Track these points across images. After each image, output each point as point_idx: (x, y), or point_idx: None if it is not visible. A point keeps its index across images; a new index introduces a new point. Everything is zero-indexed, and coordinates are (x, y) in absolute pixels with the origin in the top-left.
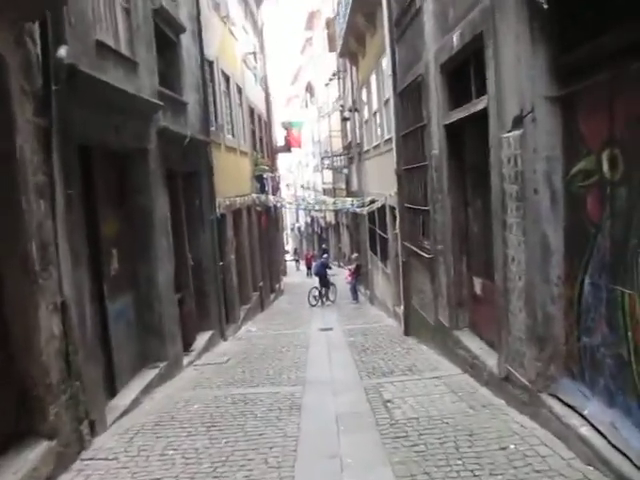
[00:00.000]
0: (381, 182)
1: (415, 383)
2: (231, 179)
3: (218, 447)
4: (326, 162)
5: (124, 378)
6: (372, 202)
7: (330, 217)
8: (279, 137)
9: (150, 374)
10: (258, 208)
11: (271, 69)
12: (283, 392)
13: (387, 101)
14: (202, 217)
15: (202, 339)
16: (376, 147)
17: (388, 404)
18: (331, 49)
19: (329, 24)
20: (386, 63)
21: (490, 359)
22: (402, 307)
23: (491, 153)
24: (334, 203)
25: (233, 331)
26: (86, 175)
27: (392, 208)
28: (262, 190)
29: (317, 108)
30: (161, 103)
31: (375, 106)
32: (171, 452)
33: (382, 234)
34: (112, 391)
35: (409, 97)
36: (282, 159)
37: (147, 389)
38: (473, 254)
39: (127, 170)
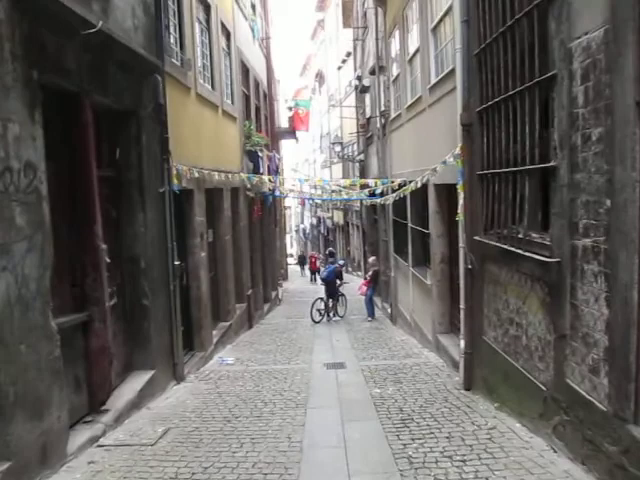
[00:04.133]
0: (419, 154)
1: None
2: (205, 143)
3: None
4: (337, 149)
5: None
6: (402, 186)
7: (338, 217)
8: (283, 120)
9: None
10: (249, 193)
11: (278, 58)
12: None
13: (444, 16)
14: (140, 187)
15: (130, 387)
16: (412, 106)
17: None
18: (346, 24)
19: None
20: None
21: None
22: (462, 342)
23: None
24: (347, 193)
25: (198, 364)
26: None
27: (442, 187)
28: (256, 171)
29: (328, 96)
30: None
31: (415, 45)
32: None
33: (418, 228)
34: None
35: None
36: (287, 155)
37: None
38: None
39: None
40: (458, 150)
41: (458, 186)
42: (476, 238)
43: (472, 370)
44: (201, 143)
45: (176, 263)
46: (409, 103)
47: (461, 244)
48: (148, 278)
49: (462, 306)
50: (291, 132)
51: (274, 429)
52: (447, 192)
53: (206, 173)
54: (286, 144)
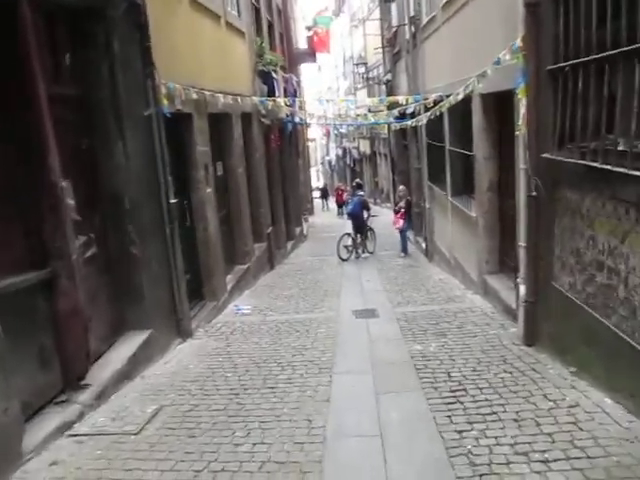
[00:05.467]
0: (460, 61)
1: None
2: (206, 60)
3: None
4: (361, 70)
5: None
6: (437, 103)
7: (364, 147)
8: (302, 44)
9: None
10: (265, 120)
11: None
12: None
13: None
14: (116, 109)
15: (120, 353)
16: (450, 2)
17: None
18: None
19: None
20: None
21: None
22: (522, 287)
23: None
24: (374, 116)
25: (209, 315)
26: None
27: (491, 97)
28: (271, 95)
29: (350, 16)
30: None
31: None
32: None
33: (459, 151)
34: None
35: None
36: (308, 84)
37: None
38: None
39: None
40: (519, 42)
41: (518, 90)
42: (545, 156)
43: (535, 322)
44: (200, 59)
45: (172, 201)
46: (445, 0)
47: (521, 165)
48: (135, 221)
49: (522, 243)
50: (311, 54)
51: (291, 407)
52: (497, 103)
53: (208, 95)
54: (307, 73)
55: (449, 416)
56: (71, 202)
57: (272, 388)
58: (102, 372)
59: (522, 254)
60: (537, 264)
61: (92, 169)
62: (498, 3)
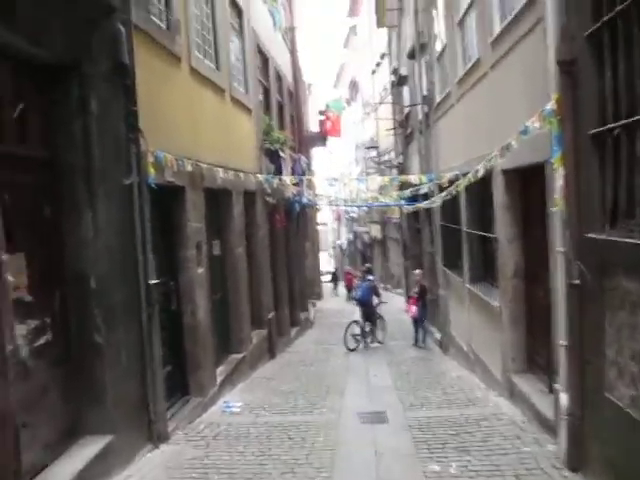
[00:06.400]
0: (478, 136)
1: None
2: (205, 132)
3: None
4: (373, 154)
5: None
6: (452, 183)
7: (375, 231)
8: (313, 127)
9: None
10: (269, 199)
11: (311, 69)
12: None
13: None
14: (88, 174)
15: (68, 465)
16: (465, 78)
17: None
18: (379, 24)
19: None
20: None
21: None
22: (563, 396)
23: None
24: (386, 197)
25: (193, 414)
26: None
27: (515, 173)
28: (278, 174)
29: (362, 104)
30: None
31: None
32: None
33: (477, 233)
34: None
35: None
36: (320, 170)
37: None
38: None
39: None
40: (552, 104)
41: (553, 160)
42: (590, 236)
43: (582, 442)
44: (199, 131)
45: (153, 282)
46: (461, 76)
47: (559, 247)
48: (104, 304)
49: (562, 342)
50: (322, 138)
51: None
52: (522, 179)
53: (205, 167)
54: (318, 158)
55: None
56: (11, 279)
57: None
58: None
59: (562, 355)
60: (583, 369)
61: (54, 242)
62: (521, 69)
